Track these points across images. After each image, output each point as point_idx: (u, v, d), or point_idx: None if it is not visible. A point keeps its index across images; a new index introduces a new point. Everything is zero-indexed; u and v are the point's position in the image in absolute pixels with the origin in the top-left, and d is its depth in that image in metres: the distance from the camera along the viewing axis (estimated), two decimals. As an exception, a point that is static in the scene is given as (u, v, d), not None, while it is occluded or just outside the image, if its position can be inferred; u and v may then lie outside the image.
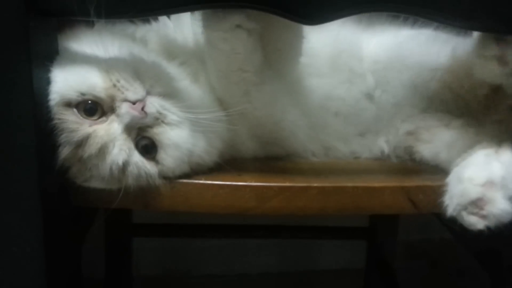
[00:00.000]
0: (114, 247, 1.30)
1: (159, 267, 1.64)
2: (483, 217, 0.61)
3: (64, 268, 0.69)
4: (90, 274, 0.93)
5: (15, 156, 0.58)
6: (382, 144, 0.86)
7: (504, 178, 0.63)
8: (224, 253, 1.64)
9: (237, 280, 1.62)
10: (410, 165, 0.82)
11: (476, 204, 0.62)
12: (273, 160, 0.80)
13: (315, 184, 0.67)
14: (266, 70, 0.73)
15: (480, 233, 0.62)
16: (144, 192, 0.66)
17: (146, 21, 0.80)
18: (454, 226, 0.62)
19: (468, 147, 0.69)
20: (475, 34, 0.70)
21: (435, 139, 0.79)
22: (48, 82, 0.63)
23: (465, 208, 0.62)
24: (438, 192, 0.67)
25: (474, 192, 0.62)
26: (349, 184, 0.68)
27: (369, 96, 0.87)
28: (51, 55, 0.64)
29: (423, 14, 0.61)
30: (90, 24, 0.71)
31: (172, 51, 0.77)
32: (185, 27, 0.80)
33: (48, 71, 0.63)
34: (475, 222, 0.62)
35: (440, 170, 0.72)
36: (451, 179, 0.66)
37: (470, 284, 1.46)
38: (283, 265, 1.66)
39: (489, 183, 0.62)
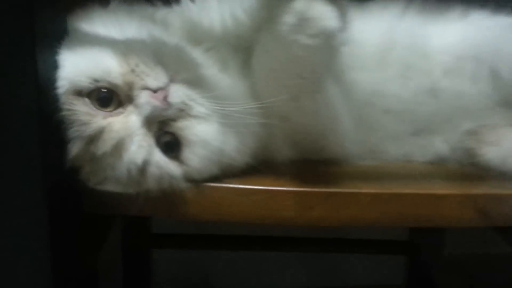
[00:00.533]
0: (132, 258, 1.25)
1: (177, 279, 1.58)
2: None
3: (76, 282, 0.60)
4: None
5: (16, 153, 0.50)
6: (439, 145, 0.76)
7: None
8: (248, 266, 1.59)
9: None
10: (472, 170, 0.71)
11: None
12: (314, 162, 0.70)
13: (368, 191, 0.58)
14: (324, 79, 0.64)
15: None
16: (167, 197, 0.57)
17: (167, 3, 0.73)
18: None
19: None
20: None
21: (503, 141, 0.70)
22: (55, 67, 0.54)
23: None
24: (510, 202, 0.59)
25: None
26: (408, 191, 0.58)
27: (431, 91, 0.77)
28: (58, 35, 0.56)
29: None
30: (103, 3, 0.64)
31: (196, 36, 0.68)
32: (211, 10, 0.70)
33: (55, 54, 0.55)
34: None
35: (508, 178, 0.64)
36: None
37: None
38: (310, 281, 1.60)
39: None
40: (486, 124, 0.74)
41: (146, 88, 0.55)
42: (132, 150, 0.54)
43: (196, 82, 0.59)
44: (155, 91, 0.55)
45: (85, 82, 0.55)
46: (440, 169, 0.73)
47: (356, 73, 0.74)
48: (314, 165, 0.70)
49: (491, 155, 0.70)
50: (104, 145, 0.54)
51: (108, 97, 0.56)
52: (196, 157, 0.58)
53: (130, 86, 0.56)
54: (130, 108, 0.56)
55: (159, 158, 0.56)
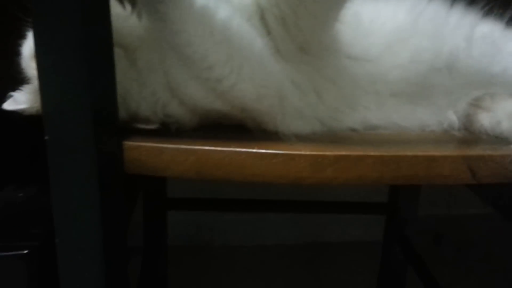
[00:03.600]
0: (151, 218, 1.26)
1: (185, 237, 1.60)
2: None
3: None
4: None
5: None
6: (452, 117, 0.72)
7: None
8: (245, 225, 1.59)
9: (256, 250, 1.57)
10: (473, 136, 0.70)
11: None
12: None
13: (372, 153, 0.57)
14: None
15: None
16: (198, 160, 0.56)
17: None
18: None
19: None
20: None
21: (497, 107, 0.68)
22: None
23: None
24: (500, 161, 0.57)
25: None
26: (408, 153, 0.57)
27: (441, 70, 0.72)
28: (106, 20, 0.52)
29: None
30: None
31: None
32: None
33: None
34: None
35: (501, 141, 0.63)
36: None
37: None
38: (300, 237, 1.60)
39: None
40: (487, 93, 0.71)
41: None
42: None
43: None
44: None
45: None
46: (442, 135, 0.71)
47: (357, 64, 0.69)
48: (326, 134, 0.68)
49: (485, 121, 0.69)
50: None
51: None
52: None
53: None
54: None
55: None
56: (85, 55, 0.47)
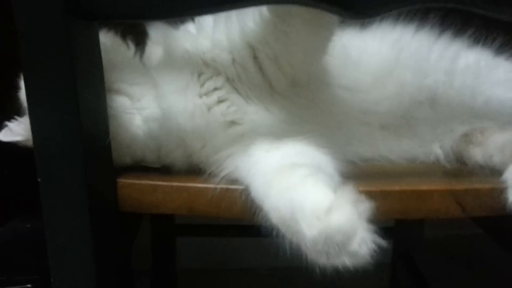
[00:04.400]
0: (159, 245, 1.26)
1: (199, 261, 1.58)
2: None
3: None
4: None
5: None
6: (437, 150, 0.72)
7: None
8: (256, 249, 1.59)
9: (268, 273, 1.55)
10: (461, 168, 0.70)
11: None
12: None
13: (361, 188, 0.57)
14: None
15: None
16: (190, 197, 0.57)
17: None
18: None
19: None
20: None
21: (488, 142, 0.67)
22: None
23: None
24: (488, 194, 0.57)
25: None
26: (396, 188, 0.57)
27: (425, 103, 0.72)
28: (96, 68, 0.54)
29: (477, 7, 0.48)
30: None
31: None
32: None
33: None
34: None
35: (494, 174, 0.61)
36: (510, 176, 0.57)
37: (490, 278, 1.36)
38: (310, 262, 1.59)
39: None
40: (477, 128, 0.71)
41: None
42: None
43: None
44: None
45: None
46: (431, 168, 0.71)
47: (348, 94, 0.70)
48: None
49: (478, 155, 0.68)
50: None
51: None
52: None
53: None
54: None
55: None
56: (76, 98, 0.48)
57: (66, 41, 0.45)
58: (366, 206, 0.45)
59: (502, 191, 0.56)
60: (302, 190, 0.46)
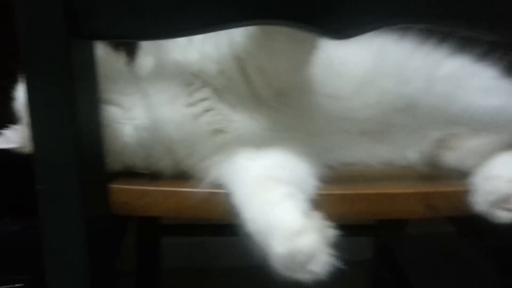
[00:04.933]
0: (145, 245, 1.30)
1: (185, 261, 1.62)
2: (510, 210, 0.60)
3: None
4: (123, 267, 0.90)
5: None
6: (413, 155, 0.77)
7: None
8: (241, 248, 1.62)
9: (254, 272, 1.60)
10: (435, 172, 0.75)
11: (506, 199, 0.60)
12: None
13: (337, 192, 0.63)
14: None
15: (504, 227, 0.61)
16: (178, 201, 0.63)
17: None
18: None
19: (492, 153, 0.66)
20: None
21: (461, 147, 0.73)
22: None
23: (495, 203, 0.60)
24: (456, 196, 0.63)
25: (504, 188, 0.60)
26: (371, 191, 0.63)
27: (405, 110, 0.76)
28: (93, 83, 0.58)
29: (458, 26, 0.54)
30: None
31: None
32: None
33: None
34: (505, 216, 0.60)
35: (465, 177, 0.66)
36: (478, 179, 0.63)
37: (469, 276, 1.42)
38: None
39: None
40: (451, 133, 0.76)
41: None
42: None
43: None
44: None
45: None
46: (405, 172, 0.76)
47: (331, 102, 0.74)
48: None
49: (452, 159, 0.74)
50: None
51: None
52: None
53: None
54: None
55: None
56: (74, 111, 0.52)
57: (66, 58, 0.50)
58: (329, 232, 0.53)
59: (469, 193, 0.62)
60: (278, 210, 0.53)
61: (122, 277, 0.86)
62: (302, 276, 0.51)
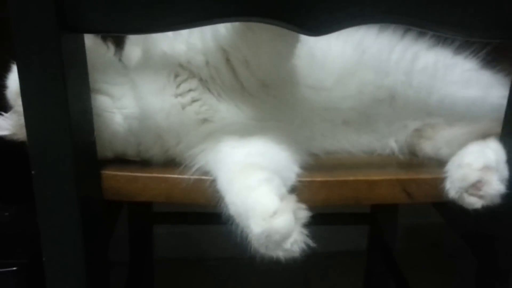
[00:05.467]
0: (137, 232, 1.33)
1: (176, 250, 1.68)
2: (481, 197, 0.65)
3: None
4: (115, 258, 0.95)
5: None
6: (392, 144, 0.83)
7: (497, 162, 0.65)
8: (235, 238, 1.66)
9: (247, 262, 1.64)
10: (412, 160, 0.81)
11: (476, 186, 0.64)
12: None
13: (319, 179, 0.68)
14: None
15: (475, 213, 0.65)
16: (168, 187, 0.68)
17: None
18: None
19: (465, 143, 0.70)
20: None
21: (437, 136, 0.78)
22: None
23: (466, 190, 0.65)
24: (432, 183, 0.69)
25: (473, 175, 0.65)
26: (350, 178, 0.69)
27: (385, 100, 0.83)
28: (83, 73, 0.63)
29: (426, 26, 0.60)
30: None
31: None
32: None
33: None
34: (474, 202, 0.65)
35: (441, 165, 0.71)
36: (451, 167, 0.68)
37: (460, 265, 1.47)
38: None
39: (486, 168, 0.65)
40: (428, 123, 0.81)
41: None
42: None
43: None
44: None
45: None
46: (384, 160, 0.82)
47: (314, 93, 0.79)
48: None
49: (428, 148, 0.79)
50: None
51: None
52: None
53: None
54: None
55: None
56: (66, 100, 0.57)
57: (57, 50, 0.55)
58: (303, 214, 0.58)
59: (443, 180, 0.68)
60: (256, 193, 0.58)
61: (115, 266, 0.90)
62: (278, 254, 0.57)
